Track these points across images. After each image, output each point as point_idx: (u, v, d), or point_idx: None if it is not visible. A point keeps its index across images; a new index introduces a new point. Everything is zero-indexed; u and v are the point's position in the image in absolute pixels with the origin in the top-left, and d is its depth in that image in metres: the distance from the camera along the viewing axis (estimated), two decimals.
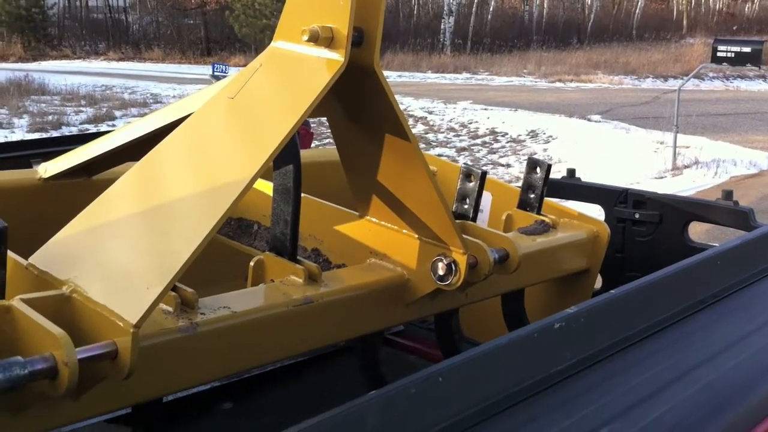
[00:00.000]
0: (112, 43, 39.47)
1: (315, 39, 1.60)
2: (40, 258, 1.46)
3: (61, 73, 27.09)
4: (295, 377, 2.74)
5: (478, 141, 16.22)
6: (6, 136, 15.36)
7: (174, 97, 21.54)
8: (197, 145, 1.65)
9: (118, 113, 18.73)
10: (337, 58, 1.60)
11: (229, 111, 1.67)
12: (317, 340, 1.83)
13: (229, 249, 2.11)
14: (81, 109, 19.16)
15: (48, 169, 2.21)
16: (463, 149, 15.43)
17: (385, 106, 1.69)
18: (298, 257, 1.82)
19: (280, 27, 1.71)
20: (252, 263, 1.84)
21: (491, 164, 14.03)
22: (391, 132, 1.74)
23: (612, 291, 1.56)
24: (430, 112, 19.41)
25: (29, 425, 1.33)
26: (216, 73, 14.29)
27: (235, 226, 2.16)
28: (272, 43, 1.73)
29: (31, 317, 1.25)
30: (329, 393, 2.66)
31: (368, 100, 1.71)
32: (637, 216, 2.74)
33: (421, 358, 2.87)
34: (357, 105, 1.76)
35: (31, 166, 2.38)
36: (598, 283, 2.63)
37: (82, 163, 2.15)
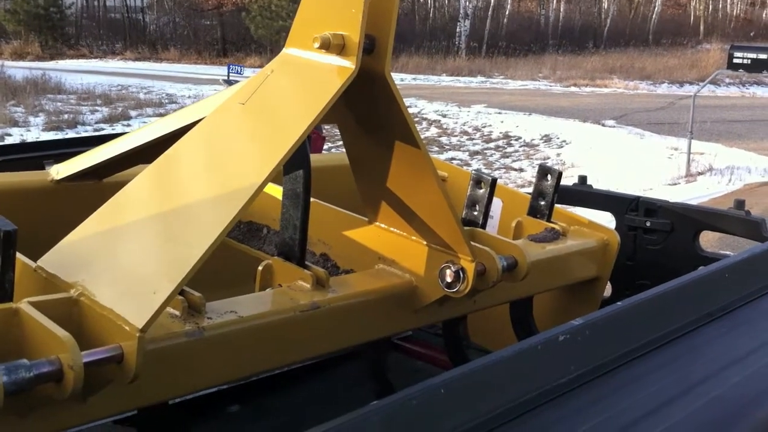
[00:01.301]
0: (129, 42, 39.66)
1: (326, 46, 1.61)
2: (48, 261, 1.47)
3: (77, 72, 27.25)
4: (302, 381, 2.75)
5: (492, 145, 16.19)
6: (22, 135, 15.46)
7: (189, 97, 21.62)
8: (208, 149, 1.66)
9: (133, 113, 18.81)
10: (348, 65, 1.60)
11: (241, 116, 1.68)
12: (324, 345, 1.84)
13: (238, 252, 2.12)
14: (97, 108, 19.26)
15: (60, 171, 2.22)
16: (477, 153, 15.40)
17: (396, 114, 1.69)
18: (306, 262, 1.83)
19: (292, 34, 1.72)
20: (260, 268, 1.84)
21: (504, 168, 14.01)
22: (401, 139, 1.74)
23: (618, 303, 1.56)
24: (444, 115, 19.39)
25: (36, 427, 1.34)
26: (230, 78, 14.38)
27: (244, 230, 2.16)
28: (284, 50, 1.74)
29: (38, 320, 1.26)
30: (336, 397, 2.67)
31: (379, 107, 1.71)
32: (648, 224, 2.73)
33: (428, 364, 2.87)
34: (367, 112, 1.76)
35: (43, 168, 2.40)
36: (608, 291, 2.63)
37: (94, 165, 2.17)
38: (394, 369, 2.51)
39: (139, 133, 2.13)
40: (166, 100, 21.18)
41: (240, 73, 16.81)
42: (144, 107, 19.69)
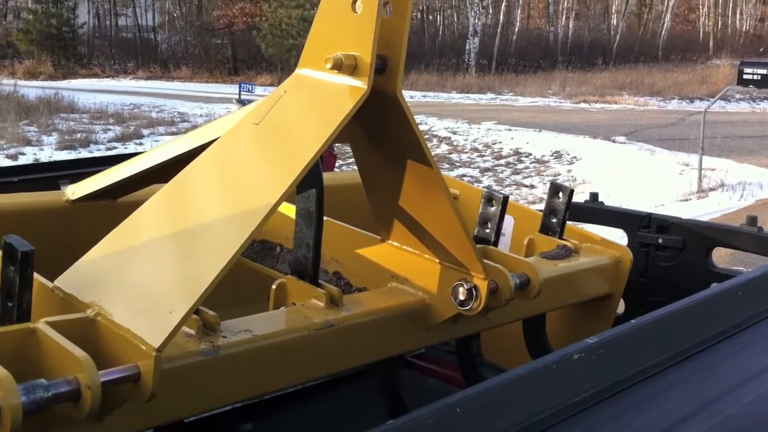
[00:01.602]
0: (140, 62, 40.01)
1: (339, 67, 1.62)
2: (65, 281, 1.48)
3: (90, 91, 27.48)
4: (316, 399, 2.74)
5: (502, 161, 16.20)
6: (35, 153, 15.58)
7: (201, 116, 21.74)
8: (222, 169, 1.67)
9: (145, 131, 18.93)
10: (360, 85, 1.61)
11: (255, 136, 1.69)
12: (338, 363, 1.84)
13: (251, 271, 2.13)
14: (109, 127, 19.39)
15: (75, 191, 2.24)
16: (487, 169, 15.42)
17: (407, 133, 1.70)
18: (319, 281, 1.83)
19: (305, 54, 1.73)
20: (274, 286, 1.85)
21: (515, 185, 14.01)
22: (413, 158, 1.75)
23: (632, 321, 1.55)
24: (454, 132, 19.43)
25: None
26: (242, 98, 14.51)
27: (258, 248, 2.17)
28: (297, 70, 1.75)
29: (55, 340, 1.26)
30: (349, 415, 2.66)
31: (390, 127, 1.72)
32: (660, 241, 2.72)
33: (442, 381, 2.86)
34: (379, 131, 1.77)
35: (59, 188, 2.42)
36: (621, 307, 2.62)
37: (109, 185, 2.18)
38: (407, 387, 2.50)
39: (154, 153, 2.15)
40: (178, 119, 21.31)
41: (251, 92, 16.96)
42: (156, 126, 19.82)
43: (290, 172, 1.53)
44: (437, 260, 1.91)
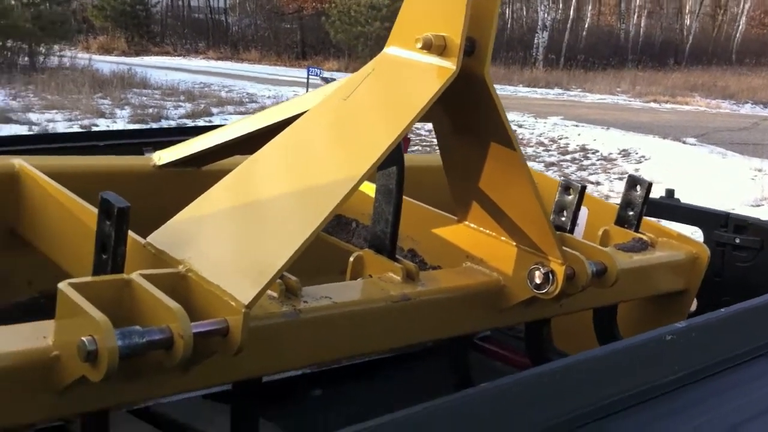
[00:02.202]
0: (211, 42, 40.65)
1: (428, 47, 1.63)
2: (157, 238, 1.53)
3: (162, 68, 28.02)
4: (383, 373, 2.78)
5: (568, 157, 16.00)
6: (108, 126, 15.95)
7: (269, 97, 21.97)
8: (307, 144, 1.70)
9: (215, 110, 19.21)
10: (448, 66, 1.62)
11: (340, 113, 1.71)
12: (412, 337, 1.87)
13: (327, 244, 2.17)
14: (180, 104, 19.74)
15: (162, 157, 2.31)
16: (552, 164, 15.24)
17: (493, 115, 1.70)
18: (396, 256, 1.86)
19: (394, 33, 1.75)
20: (352, 258, 1.88)
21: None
22: (498, 141, 1.75)
23: (722, 309, 1.54)
24: (520, 126, 19.26)
25: (139, 392, 1.41)
26: (323, 77, 14.67)
27: (334, 223, 2.21)
28: (385, 49, 1.77)
29: (149, 291, 1.31)
30: (415, 390, 2.68)
31: (477, 109, 1.73)
32: (737, 241, 2.68)
33: (506, 365, 2.87)
34: (465, 113, 1.78)
35: (143, 154, 2.49)
36: (693, 306, 2.58)
37: (195, 153, 2.24)
38: (473, 368, 2.52)
39: (239, 124, 2.19)
40: (247, 100, 21.58)
41: (319, 76, 17.10)
42: (225, 105, 20.09)
43: (374, 150, 1.55)
44: (513, 243, 1.91)
